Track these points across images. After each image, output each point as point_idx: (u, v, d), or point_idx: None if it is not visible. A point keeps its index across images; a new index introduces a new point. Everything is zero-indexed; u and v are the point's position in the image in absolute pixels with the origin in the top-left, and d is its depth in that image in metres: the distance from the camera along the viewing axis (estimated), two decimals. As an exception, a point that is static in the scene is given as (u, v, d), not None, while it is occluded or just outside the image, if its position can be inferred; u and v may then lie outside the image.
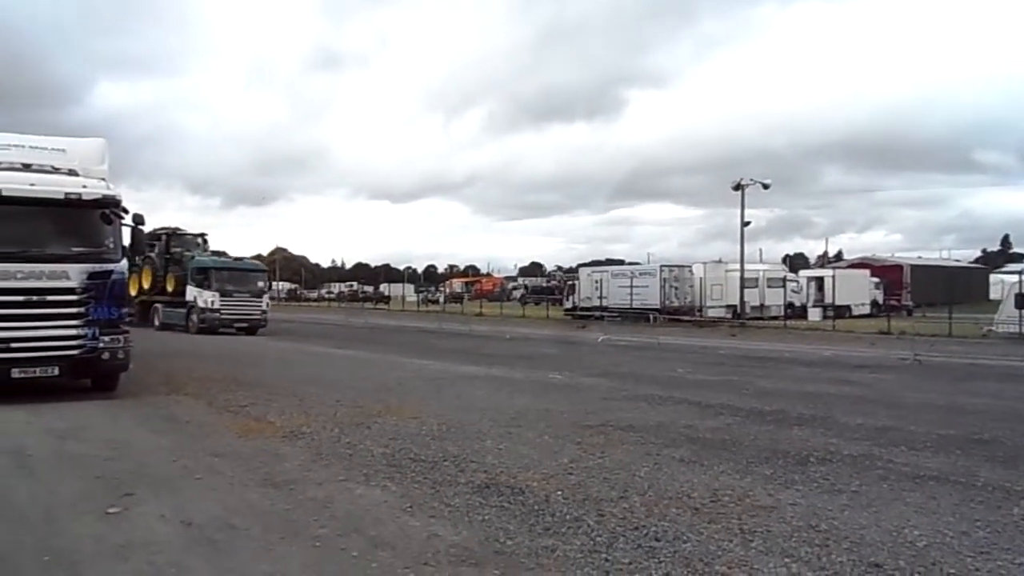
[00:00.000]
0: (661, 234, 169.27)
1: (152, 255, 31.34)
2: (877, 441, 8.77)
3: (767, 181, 43.96)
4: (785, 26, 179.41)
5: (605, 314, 42.98)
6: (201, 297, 28.92)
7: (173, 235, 32.77)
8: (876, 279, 52.16)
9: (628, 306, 43.19)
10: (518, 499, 6.08)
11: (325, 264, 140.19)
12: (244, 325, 29.38)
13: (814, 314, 44.56)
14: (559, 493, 6.26)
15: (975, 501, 6.20)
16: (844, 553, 4.90)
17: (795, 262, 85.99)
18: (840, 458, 7.84)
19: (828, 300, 44.65)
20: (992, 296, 49.50)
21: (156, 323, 31.13)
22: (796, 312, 44.05)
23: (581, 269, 52.93)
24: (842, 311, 43.18)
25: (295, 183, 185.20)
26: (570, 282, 54.24)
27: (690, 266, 46.01)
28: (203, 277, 29.18)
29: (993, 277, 64.83)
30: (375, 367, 17.46)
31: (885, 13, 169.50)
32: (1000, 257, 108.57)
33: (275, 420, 9.67)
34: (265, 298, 31.56)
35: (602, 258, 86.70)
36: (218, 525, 5.36)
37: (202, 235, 33.79)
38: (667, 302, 42.73)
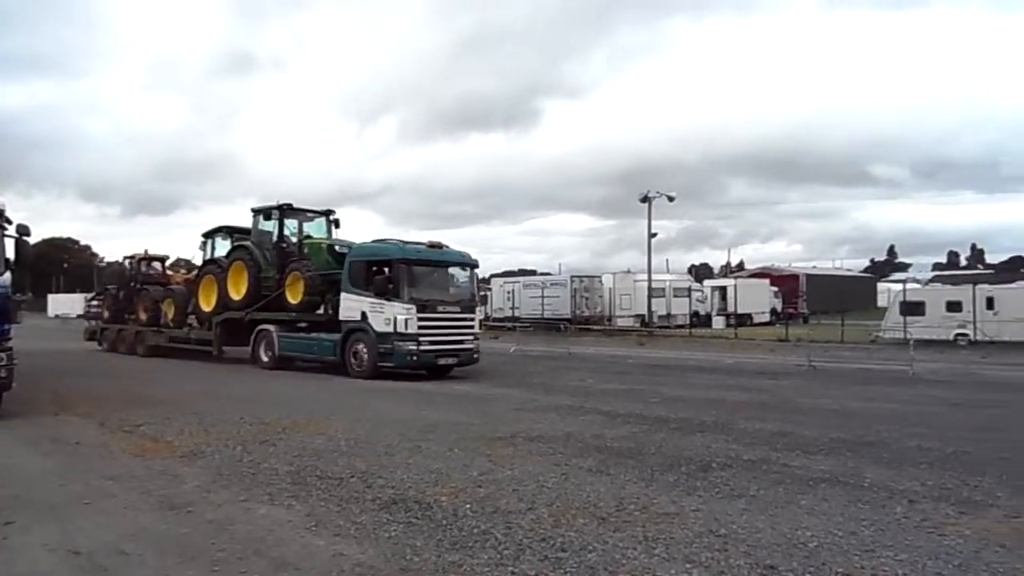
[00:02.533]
0: (575, 244, 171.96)
1: (248, 244, 21.33)
2: (774, 446, 9.14)
3: (672, 194, 45.47)
4: (696, 40, 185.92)
5: (517, 324, 43.28)
6: (381, 314, 17.11)
7: (288, 211, 21.08)
8: (775, 288, 54.47)
9: (540, 316, 43.66)
10: (426, 514, 6.03)
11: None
12: (451, 361, 17.93)
13: (718, 322, 46.28)
14: (468, 506, 6.25)
15: (862, 501, 6.54)
16: (742, 556, 5.07)
17: (700, 272, 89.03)
18: (740, 463, 8.12)
19: (731, 309, 46.43)
20: (880, 303, 52.54)
21: (264, 356, 20.13)
22: (701, 320, 45.52)
23: (493, 279, 53.24)
24: (744, 319, 44.93)
25: (202, 191, 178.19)
26: (482, 293, 54.37)
27: (600, 276, 46.95)
28: (382, 279, 17.30)
29: (880, 285, 69.01)
30: (281, 381, 17.01)
31: (789, 32, 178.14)
32: (887, 267, 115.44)
33: (173, 439, 9.28)
34: (478, 314, 20.66)
35: (517, 268, 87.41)
36: (108, 552, 5.10)
37: (328, 211, 21.81)
38: (578, 312, 43.45)
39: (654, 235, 45.14)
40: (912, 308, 32.80)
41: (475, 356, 18.46)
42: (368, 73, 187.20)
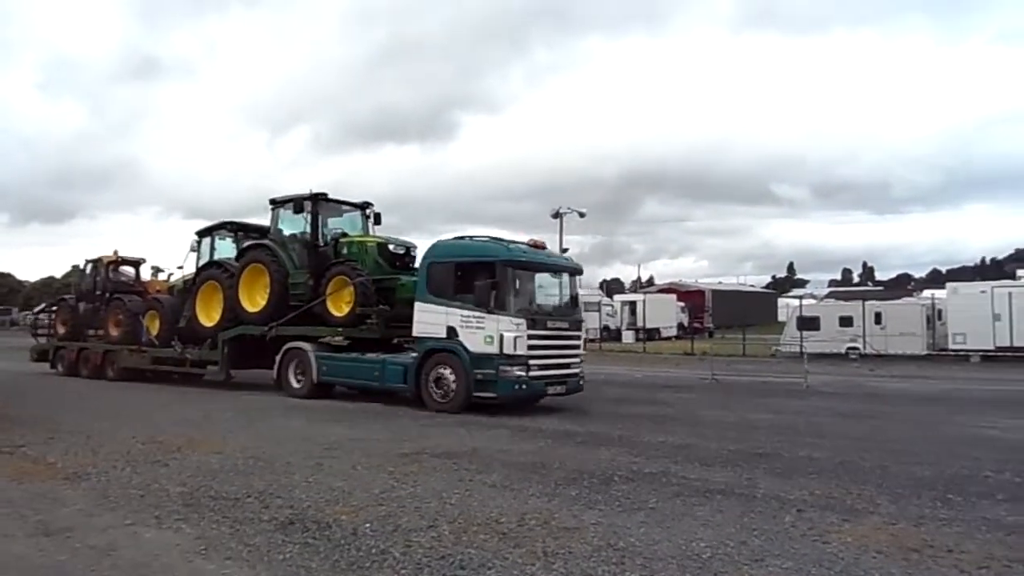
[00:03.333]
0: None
1: (269, 243, 17.34)
2: (675, 458, 9.36)
3: (583, 210, 46.07)
4: (611, 59, 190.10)
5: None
6: (480, 330, 13.44)
7: (319, 201, 17.16)
8: (682, 303, 56.17)
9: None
10: (324, 534, 5.89)
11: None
12: (560, 390, 14.42)
13: (627, 336, 47.25)
14: (368, 525, 6.13)
15: (754, 512, 6.76)
16: (638, 569, 5.15)
17: (612, 287, 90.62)
18: (641, 476, 8.28)
19: (640, 323, 47.52)
20: (780, 318, 54.80)
21: (295, 382, 16.30)
22: (611, 335, 46.44)
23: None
24: (652, 333, 46.14)
25: (100, 199, 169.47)
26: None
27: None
28: (485, 285, 13.41)
29: (781, 301, 72.04)
30: (180, 398, 16.36)
31: (699, 53, 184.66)
32: (788, 283, 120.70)
33: (56, 460, 8.77)
34: (583, 333, 17.32)
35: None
36: (-26, 585, 4.76)
37: (366, 204, 18.10)
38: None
39: (565, 251, 45.57)
40: (808, 323, 34.46)
41: (580, 383, 14.98)
42: (280, 81, 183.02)
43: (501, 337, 13.19)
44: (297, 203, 16.95)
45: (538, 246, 14.89)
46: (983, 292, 32.73)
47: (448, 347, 13.78)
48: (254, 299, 17.25)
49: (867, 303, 35.49)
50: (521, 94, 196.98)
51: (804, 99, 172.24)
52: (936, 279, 78.24)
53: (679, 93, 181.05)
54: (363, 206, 18.04)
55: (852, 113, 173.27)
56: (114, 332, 21.38)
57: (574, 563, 5.26)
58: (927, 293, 42.22)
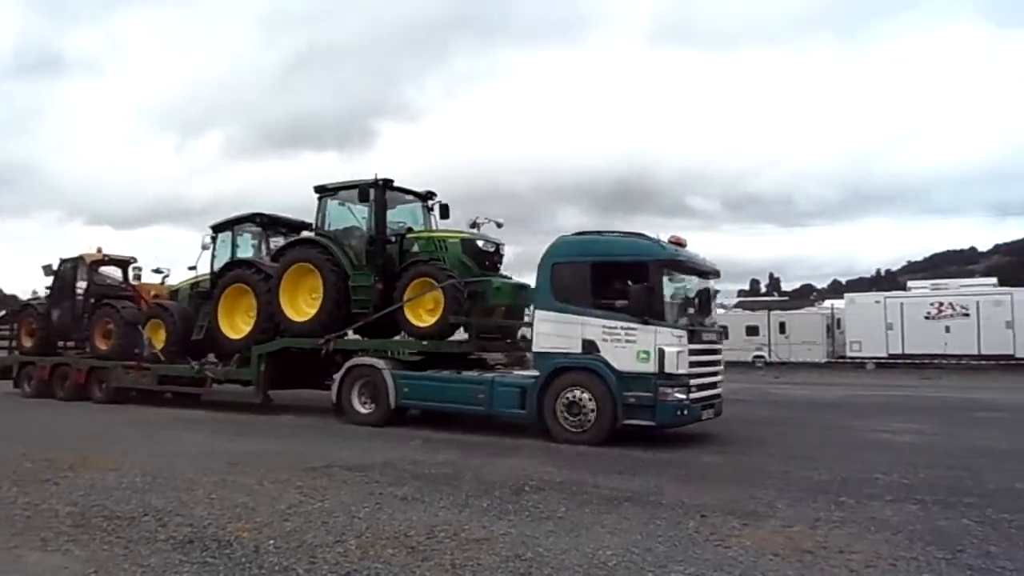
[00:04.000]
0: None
1: (321, 239, 14.87)
2: (585, 467, 9.48)
3: (500, 220, 46.13)
4: (530, 71, 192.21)
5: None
6: (631, 344, 11.19)
7: (382, 188, 14.65)
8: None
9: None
10: (224, 552, 5.69)
11: (26, 297, 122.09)
12: (710, 415, 12.35)
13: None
14: (271, 542, 5.96)
15: (660, 518, 6.91)
16: (545, 579, 5.19)
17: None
18: (552, 485, 8.33)
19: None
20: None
21: (360, 406, 13.73)
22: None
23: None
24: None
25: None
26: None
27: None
28: (641, 290, 11.15)
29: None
30: (78, 412, 15.56)
31: (617, 66, 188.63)
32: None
33: (-67, 481, 8.19)
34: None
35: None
36: None
37: (429, 193, 15.76)
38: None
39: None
40: (718, 332, 35.45)
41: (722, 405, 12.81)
42: (191, 83, 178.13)
43: (661, 353, 10.93)
44: (362, 190, 14.22)
45: (681, 244, 12.31)
46: (877, 302, 34.59)
47: (585, 364, 11.47)
48: (299, 306, 14.69)
49: (772, 313, 36.97)
50: (440, 103, 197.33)
51: (716, 114, 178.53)
52: (837, 290, 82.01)
53: (596, 105, 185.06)
54: (425, 196, 15.58)
55: (761, 128, 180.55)
56: (102, 345, 18.21)
57: (482, 574, 5.26)
58: (827, 303, 44.30)
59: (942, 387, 24.93)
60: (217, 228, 17.24)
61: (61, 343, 20.02)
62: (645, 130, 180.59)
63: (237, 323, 15.73)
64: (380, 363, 13.52)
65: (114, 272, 20.41)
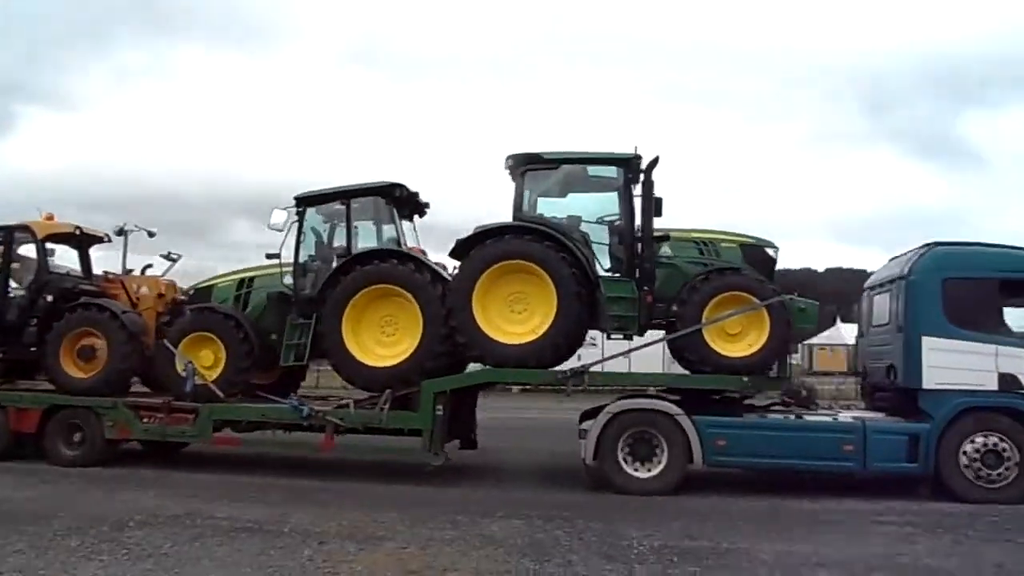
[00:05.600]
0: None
1: (552, 230, 10.07)
2: (204, 497, 8.85)
3: (153, 229, 42.24)
4: (207, 73, 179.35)
5: None
6: None
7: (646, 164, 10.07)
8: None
9: None
10: None
11: None
12: None
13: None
14: None
15: (276, 548, 6.65)
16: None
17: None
18: (163, 520, 7.63)
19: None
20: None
21: (627, 466, 9.74)
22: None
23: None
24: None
25: None
26: None
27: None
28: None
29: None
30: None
31: (301, 78, 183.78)
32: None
33: None
34: None
35: None
36: None
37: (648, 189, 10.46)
38: None
39: (130, 271, 41.33)
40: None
41: None
42: None
43: None
44: (633, 164, 10.25)
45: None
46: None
47: (1008, 405, 9.52)
48: (499, 323, 10.26)
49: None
50: (102, 96, 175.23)
51: (407, 137, 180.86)
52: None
53: (274, 116, 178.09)
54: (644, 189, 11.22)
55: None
56: (75, 371, 11.30)
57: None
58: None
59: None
60: (310, 201, 11.49)
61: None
62: (322, 145, 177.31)
63: (367, 343, 10.83)
64: (672, 408, 10.05)
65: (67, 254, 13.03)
